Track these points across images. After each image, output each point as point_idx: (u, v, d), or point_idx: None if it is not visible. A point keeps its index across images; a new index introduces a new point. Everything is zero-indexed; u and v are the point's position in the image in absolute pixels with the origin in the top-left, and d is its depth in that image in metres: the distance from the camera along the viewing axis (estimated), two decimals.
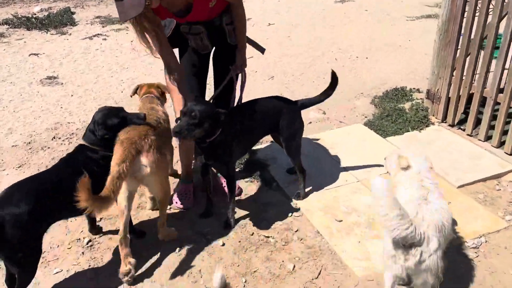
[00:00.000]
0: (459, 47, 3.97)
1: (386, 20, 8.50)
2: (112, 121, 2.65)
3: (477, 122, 3.97)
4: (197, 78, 3.15)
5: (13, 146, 4.40)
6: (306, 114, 4.16)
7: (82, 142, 2.71)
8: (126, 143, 2.49)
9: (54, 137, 4.56)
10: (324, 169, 3.71)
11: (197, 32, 2.95)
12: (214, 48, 3.15)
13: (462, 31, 3.94)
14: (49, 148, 4.36)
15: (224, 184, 3.49)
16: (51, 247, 3.00)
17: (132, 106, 5.25)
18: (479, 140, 3.94)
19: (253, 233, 3.05)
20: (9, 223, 2.17)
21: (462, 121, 4.17)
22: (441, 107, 4.23)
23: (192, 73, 3.11)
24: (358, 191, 3.41)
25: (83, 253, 2.93)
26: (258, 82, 5.92)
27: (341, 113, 4.87)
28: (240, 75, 3.18)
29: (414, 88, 5.26)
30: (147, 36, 2.67)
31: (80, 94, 5.70)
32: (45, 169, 2.79)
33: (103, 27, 8.72)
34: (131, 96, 3.45)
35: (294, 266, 2.75)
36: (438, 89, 4.25)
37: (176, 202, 3.35)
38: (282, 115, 3.15)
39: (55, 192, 2.38)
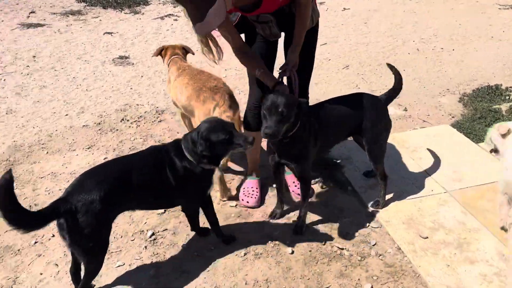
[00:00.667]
0: None
1: (475, 7, 7.75)
2: (217, 137, 2.37)
3: None
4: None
5: (84, 126, 4.40)
6: None
7: (179, 139, 2.54)
8: None
9: (123, 119, 4.51)
10: (405, 175, 3.34)
11: (265, 21, 2.68)
12: (284, 34, 2.86)
13: None
14: (117, 130, 4.32)
15: (294, 184, 3.23)
16: (114, 237, 2.91)
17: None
18: None
19: (325, 242, 2.79)
20: (82, 211, 2.09)
21: None
22: None
23: None
24: (445, 203, 3.02)
25: (146, 247, 2.81)
26: (331, 71, 5.57)
27: (424, 111, 4.42)
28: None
29: (511, 87, 4.67)
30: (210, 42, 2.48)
31: (150, 76, 5.64)
32: (125, 155, 2.77)
33: (174, 7, 8.66)
34: (155, 56, 3.73)
35: (372, 287, 2.45)
36: None
37: (242, 200, 3.14)
38: (366, 114, 2.81)
39: (130, 182, 2.29)
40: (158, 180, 2.37)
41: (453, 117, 4.27)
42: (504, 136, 2.63)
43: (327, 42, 6.56)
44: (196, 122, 3.11)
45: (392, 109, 4.37)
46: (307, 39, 2.72)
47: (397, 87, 3.00)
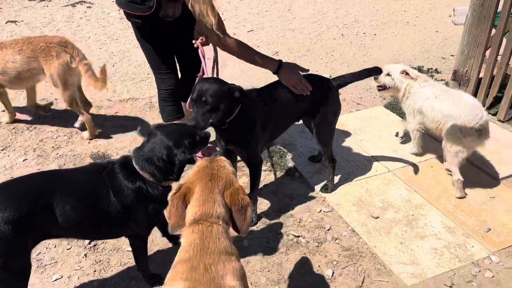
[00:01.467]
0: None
1: None
2: (192, 141, 2.04)
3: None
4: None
5: None
6: None
7: (127, 155, 2.06)
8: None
9: (40, 116, 4.05)
10: (349, 157, 3.36)
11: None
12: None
13: (500, 7, 3.59)
14: (36, 128, 3.87)
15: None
16: (47, 247, 2.58)
17: (126, 82, 4.76)
18: (499, 120, 3.66)
19: (279, 231, 2.69)
20: None
21: (493, 105, 3.86)
22: (470, 89, 3.90)
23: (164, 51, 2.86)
24: (390, 182, 3.08)
25: (85, 255, 2.53)
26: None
27: (357, 94, 4.50)
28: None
29: (431, 68, 4.94)
30: None
31: None
32: (56, 170, 2.19)
33: None
34: None
35: (333, 273, 2.41)
36: (467, 70, 3.92)
37: None
38: (316, 96, 2.73)
39: (54, 203, 1.85)
40: (96, 205, 1.93)
41: (384, 98, 4.38)
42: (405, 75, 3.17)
43: (253, 29, 6.46)
44: (53, 81, 3.36)
45: None
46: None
47: (357, 75, 2.91)
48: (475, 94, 3.88)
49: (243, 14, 7.01)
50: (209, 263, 1.41)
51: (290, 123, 2.85)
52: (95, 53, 5.56)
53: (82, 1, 7.71)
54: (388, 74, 3.26)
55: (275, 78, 2.68)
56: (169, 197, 1.74)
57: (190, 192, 1.56)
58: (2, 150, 3.53)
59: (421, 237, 2.63)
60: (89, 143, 3.65)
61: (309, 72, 2.71)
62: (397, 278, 2.38)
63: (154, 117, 4.00)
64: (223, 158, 1.72)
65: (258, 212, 2.80)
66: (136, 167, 1.98)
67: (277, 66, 2.56)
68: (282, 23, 6.69)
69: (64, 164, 3.35)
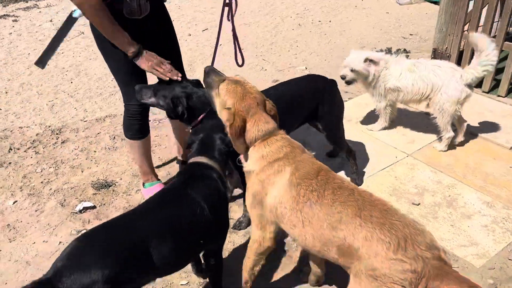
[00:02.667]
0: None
1: None
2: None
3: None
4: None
5: None
6: None
7: (195, 159, 2.00)
8: None
9: (11, 149, 3.57)
10: (364, 147, 3.33)
11: None
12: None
13: None
14: (11, 163, 3.39)
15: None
16: None
17: (94, 98, 4.32)
18: (499, 96, 3.85)
19: None
20: None
21: None
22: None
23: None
24: (414, 166, 3.10)
25: None
26: (230, 57, 5.28)
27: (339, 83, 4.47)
28: None
29: (400, 49, 5.06)
30: None
31: (17, 90, 4.60)
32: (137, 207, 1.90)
33: (4, 6, 7.25)
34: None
35: None
36: (446, 47, 4.05)
37: None
38: (322, 99, 2.63)
39: (149, 247, 1.65)
40: (192, 227, 1.80)
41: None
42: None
43: (207, 27, 6.23)
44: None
45: None
46: None
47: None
48: None
49: (190, 13, 6.73)
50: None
51: (290, 129, 2.66)
52: (42, 70, 5.01)
53: (4, 15, 6.94)
54: (352, 70, 3.27)
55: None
56: None
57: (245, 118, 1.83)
58: None
59: (467, 216, 2.67)
60: (82, 171, 3.27)
61: (308, 73, 2.62)
62: (464, 262, 2.39)
63: None
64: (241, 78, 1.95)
65: None
66: (214, 165, 1.97)
67: (138, 49, 2.32)
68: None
69: (65, 200, 2.96)
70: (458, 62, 4.06)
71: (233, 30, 2.70)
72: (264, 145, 1.82)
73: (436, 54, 4.15)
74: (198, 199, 1.82)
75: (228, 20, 2.66)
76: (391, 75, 3.19)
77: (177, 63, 2.63)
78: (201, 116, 2.40)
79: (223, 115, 1.89)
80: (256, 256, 1.95)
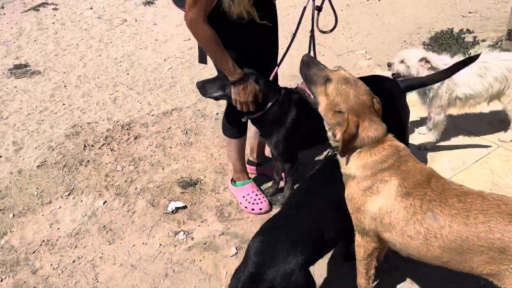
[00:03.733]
0: None
1: None
2: None
3: None
4: None
5: (38, 166, 3.35)
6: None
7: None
8: None
9: (85, 146, 3.57)
10: (442, 138, 3.22)
11: None
12: None
13: None
14: (89, 161, 3.39)
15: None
16: None
17: (155, 90, 4.26)
18: None
19: None
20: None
21: None
22: None
23: None
24: (509, 158, 3.00)
25: None
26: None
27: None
28: None
29: (463, 30, 4.87)
30: None
31: (75, 83, 4.58)
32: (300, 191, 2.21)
33: None
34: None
35: None
36: None
37: (253, 209, 2.81)
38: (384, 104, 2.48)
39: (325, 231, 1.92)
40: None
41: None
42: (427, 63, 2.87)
43: None
44: None
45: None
46: None
47: (432, 79, 2.61)
48: None
49: None
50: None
51: None
52: (95, 62, 4.98)
53: (43, 3, 6.90)
54: (402, 62, 2.97)
55: None
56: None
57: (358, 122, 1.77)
58: (69, 195, 3.06)
59: None
60: (163, 169, 3.26)
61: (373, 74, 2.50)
62: None
63: (214, 129, 3.64)
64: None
65: None
66: None
67: (240, 76, 2.25)
68: None
69: (154, 200, 2.95)
70: None
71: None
72: (370, 153, 1.76)
73: (511, 35, 3.99)
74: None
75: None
76: (458, 83, 2.89)
77: (273, 63, 2.56)
78: (270, 104, 2.36)
79: (332, 118, 1.83)
80: (366, 260, 1.94)
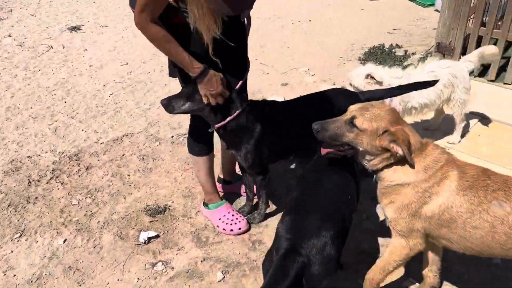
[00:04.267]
0: None
1: None
2: None
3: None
4: None
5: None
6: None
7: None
8: None
9: (30, 182, 3.24)
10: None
11: None
12: None
13: None
14: (37, 198, 3.08)
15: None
16: None
17: (100, 117, 4.02)
18: (506, 84, 4.10)
19: None
20: (317, 262, 1.68)
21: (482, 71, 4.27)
22: (456, 58, 4.25)
23: None
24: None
25: None
26: None
27: (342, 81, 4.53)
28: None
29: (392, 45, 5.23)
30: None
31: (6, 116, 4.19)
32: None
33: None
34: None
35: None
36: (450, 41, 4.25)
37: (232, 230, 2.69)
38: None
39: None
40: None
41: None
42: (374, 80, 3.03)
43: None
44: None
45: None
46: None
47: (391, 92, 2.73)
48: None
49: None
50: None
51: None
52: (25, 91, 4.61)
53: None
54: (350, 84, 3.15)
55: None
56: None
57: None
58: (20, 236, 2.75)
59: None
60: (124, 198, 3.05)
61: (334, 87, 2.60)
62: None
63: (173, 152, 3.50)
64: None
65: None
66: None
67: (201, 69, 2.16)
68: None
69: (121, 232, 2.74)
70: (462, 55, 4.26)
71: None
72: (423, 156, 1.81)
73: (440, 48, 4.34)
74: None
75: None
76: (412, 94, 3.01)
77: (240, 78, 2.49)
78: (238, 112, 2.33)
79: (382, 141, 1.81)
80: (402, 261, 1.98)
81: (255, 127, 2.40)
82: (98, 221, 2.84)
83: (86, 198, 3.05)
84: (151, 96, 4.45)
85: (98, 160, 3.46)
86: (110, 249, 2.62)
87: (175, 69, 2.34)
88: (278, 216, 2.80)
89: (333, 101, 2.56)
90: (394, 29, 5.78)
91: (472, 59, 3.14)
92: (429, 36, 5.43)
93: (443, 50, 4.33)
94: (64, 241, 2.69)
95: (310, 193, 1.98)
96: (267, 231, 2.71)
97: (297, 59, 5.17)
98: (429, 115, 3.45)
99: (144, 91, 4.54)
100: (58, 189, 3.16)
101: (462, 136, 3.43)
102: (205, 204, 2.78)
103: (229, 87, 2.30)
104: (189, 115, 2.52)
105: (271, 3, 6.95)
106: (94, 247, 2.64)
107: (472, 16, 4.15)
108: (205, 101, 2.25)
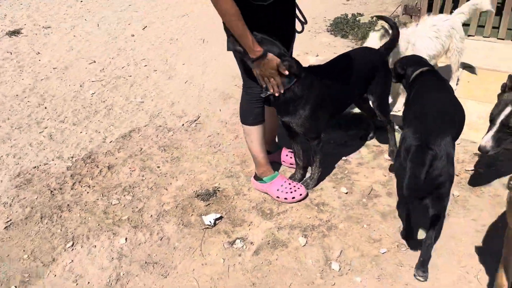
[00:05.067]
0: None
1: None
2: None
3: None
4: None
5: (6, 227, 2.74)
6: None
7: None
8: None
9: (52, 191, 3.03)
10: None
11: None
12: None
13: None
14: (69, 205, 2.90)
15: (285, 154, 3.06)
16: None
17: (94, 118, 3.82)
18: (470, 35, 4.56)
19: None
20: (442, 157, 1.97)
21: None
22: (422, 18, 4.61)
23: None
24: None
25: None
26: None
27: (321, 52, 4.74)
28: None
29: (354, 14, 5.50)
30: None
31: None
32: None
33: None
34: None
35: None
36: (416, 3, 4.61)
37: (293, 198, 2.73)
38: (376, 70, 2.76)
39: None
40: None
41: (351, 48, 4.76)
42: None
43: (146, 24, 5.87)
44: None
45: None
46: None
47: (394, 38, 2.94)
48: None
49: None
50: None
51: (350, 102, 2.92)
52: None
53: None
54: None
55: None
56: None
57: None
58: (73, 244, 2.58)
59: None
60: (166, 189, 2.97)
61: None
62: None
63: (191, 138, 3.46)
64: None
65: None
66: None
67: (260, 54, 2.25)
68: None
69: (181, 221, 2.69)
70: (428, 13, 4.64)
71: None
72: None
73: (407, 10, 4.69)
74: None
75: None
76: (420, 48, 3.22)
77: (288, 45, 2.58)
78: (295, 80, 2.43)
79: None
80: None
81: (310, 93, 2.48)
82: (151, 215, 2.74)
83: (124, 196, 2.92)
84: (137, 89, 4.30)
85: (116, 158, 3.31)
86: (179, 238, 2.56)
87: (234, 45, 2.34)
88: (330, 178, 2.91)
89: (363, 57, 2.80)
90: (347, 0, 6.06)
91: (464, 10, 3.47)
92: (383, 3, 5.79)
93: (410, 11, 4.68)
94: (126, 239, 2.57)
95: (429, 106, 2.27)
96: (325, 193, 2.80)
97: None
98: None
99: (127, 85, 4.36)
100: (88, 192, 2.98)
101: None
102: (258, 178, 2.80)
103: (288, 68, 2.35)
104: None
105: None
106: (161, 239, 2.57)
107: None
108: (257, 77, 2.31)
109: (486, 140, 2.19)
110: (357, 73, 2.70)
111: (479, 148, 2.22)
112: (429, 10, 4.67)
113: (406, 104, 2.59)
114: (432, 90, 2.44)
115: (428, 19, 3.41)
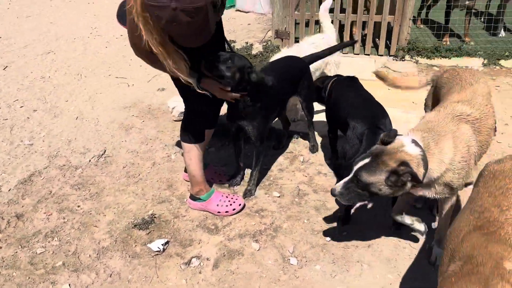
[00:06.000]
0: None
1: None
2: None
3: None
4: None
5: None
6: None
7: None
8: None
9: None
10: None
11: None
12: None
13: None
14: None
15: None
16: None
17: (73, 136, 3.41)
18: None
19: None
20: None
21: None
22: (292, 40, 5.19)
23: None
24: None
25: None
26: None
27: None
28: None
29: (228, 41, 5.84)
30: None
31: None
32: None
33: None
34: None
35: None
36: (285, 27, 5.16)
37: (234, 209, 2.81)
38: (303, 74, 3.15)
39: None
40: None
41: None
42: None
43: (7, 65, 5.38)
44: None
45: None
46: None
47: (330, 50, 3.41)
48: (296, 41, 5.17)
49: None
50: None
51: (285, 103, 3.22)
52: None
53: None
54: None
55: None
56: None
57: None
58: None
59: None
60: (96, 226, 2.80)
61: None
62: None
63: (104, 173, 3.31)
64: None
65: None
66: None
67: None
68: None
69: (127, 253, 2.57)
70: (294, 39, 5.23)
71: None
72: None
73: (278, 34, 5.20)
74: None
75: None
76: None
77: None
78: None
79: None
80: None
81: (261, 97, 2.73)
82: (89, 255, 2.55)
83: (49, 242, 2.66)
84: (20, 132, 3.93)
85: (23, 206, 2.99)
86: (131, 270, 2.44)
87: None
88: (260, 186, 3.08)
89: (291, 65, 3.17)
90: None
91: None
92: (250, 30, 6.27)
93: (281, 35, 5.19)
94: (69, 285, 2.35)
95: (361, 99, 2.76)
96: (260, 200, 2.95)
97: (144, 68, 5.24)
98: None
99: (7, 129, 3.96)
100: (1, 247, 2.64)
101: None
102: (195, 198, 2.83)
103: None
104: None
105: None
106: (110, 276, 2.41)
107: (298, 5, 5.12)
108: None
109: (338, 185, 2.05)
110: (290, 77, 3.05)
111: (331, 190, 2.10)
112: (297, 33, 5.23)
113: (328, 109, 3.05)
114: (353, 88, 2.90)
115: (307, 38, 3.88)
